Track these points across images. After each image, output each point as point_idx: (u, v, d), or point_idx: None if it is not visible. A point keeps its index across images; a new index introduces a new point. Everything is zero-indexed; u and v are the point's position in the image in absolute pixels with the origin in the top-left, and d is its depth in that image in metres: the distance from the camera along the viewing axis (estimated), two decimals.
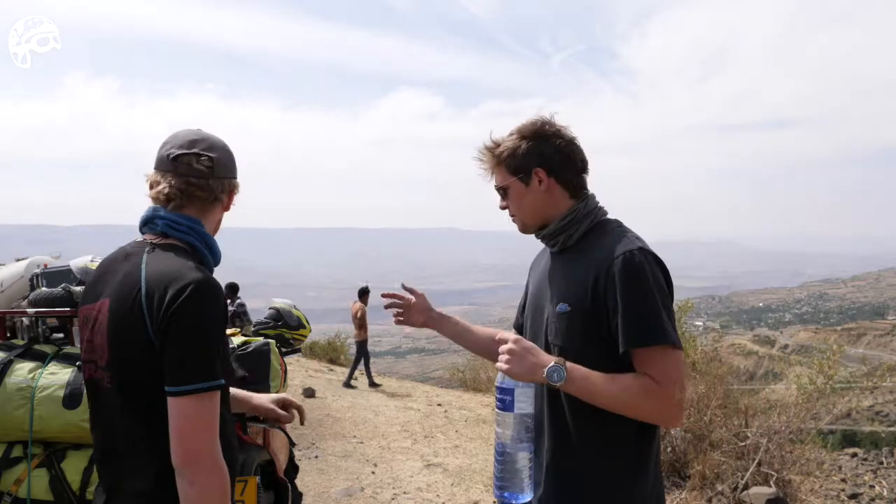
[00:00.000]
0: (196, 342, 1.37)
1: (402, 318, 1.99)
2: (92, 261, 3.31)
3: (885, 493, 6.25)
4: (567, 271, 1.62)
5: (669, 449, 5.48)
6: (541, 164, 1.63)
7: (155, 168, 1.56)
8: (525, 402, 1.46)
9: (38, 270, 3.25)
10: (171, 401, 1.35)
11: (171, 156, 1.53)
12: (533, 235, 1.75)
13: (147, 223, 1.56)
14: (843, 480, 6.87)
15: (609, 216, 1.69)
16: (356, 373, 11.58)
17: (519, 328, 1.88)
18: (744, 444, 5.17)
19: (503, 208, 1.72)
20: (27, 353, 2.49)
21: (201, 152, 1.54)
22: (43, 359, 2.48)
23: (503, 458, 1.45)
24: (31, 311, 2.97)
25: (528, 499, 1.46)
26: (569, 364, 1.45)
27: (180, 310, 1.36)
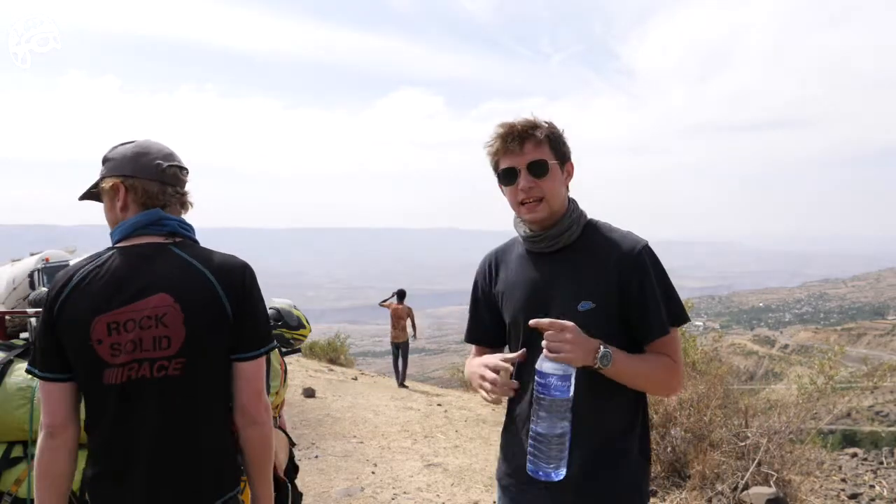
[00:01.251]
0: (264, 312, 1.65)
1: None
2: None
3: (885, 493, 6.25)
4: (576, 270, 1.62)
5: (669, 449, 5.47)
6: (571, 159, 1.68)
7: (133, 175, 1.64)
8: (573, 384, 1.47)
9: (39, 266, 3.21)
10: (245, 365, 1.60)
11: (161, 167, 1.65)
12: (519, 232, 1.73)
13: (153, 224, 1.63)
14: (843, 480, 6.88)
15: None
16: (356, 372, 11.59)
17: (477, 341, 1.85)
18: (744, 444, 5.17)
19: (526, 189, 1.60)
20: (27, 353, 2.49)
21: (183, 165, 1.72)
22: None
23: (547, 439, 1.45)
24: (30, 310, 2.97)
25: (564, 474, 1.49)
26: (611, 347, 1.51)
27: (249, 288, 1.62)
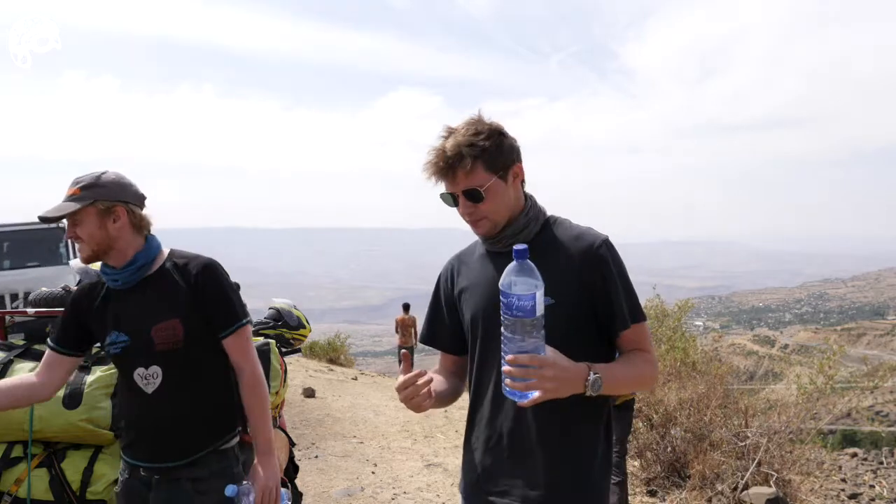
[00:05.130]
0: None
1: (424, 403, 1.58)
2: None
3: (885, 493, 6.25)
4: (537, 266, 1.53)
5: (669, 449, 5.48)
6: (518, 160, 1.61)
7: (126, 202, 1.97)
8: (542, 302, 1.36)
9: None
10: (230, 339, 2.00)
11: (144, 198, 2.04)
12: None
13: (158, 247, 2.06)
14: (843, 480, 6.88)
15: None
16: (356, 372, 11.59)
17: (432, 340, 1.80)
18: (744, 444, 5.17)
19: (467, 213, 1.59)
20: (27, 353, 2.49)
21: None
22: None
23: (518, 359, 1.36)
24: (30, 310, 2.97)
25: (533, 395, 1.39)
26: (598, 366, 1.46)
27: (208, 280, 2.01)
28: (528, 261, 1.36)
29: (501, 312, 1.37)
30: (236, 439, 2.08)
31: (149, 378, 1.94)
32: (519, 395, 1.39)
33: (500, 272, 1.53)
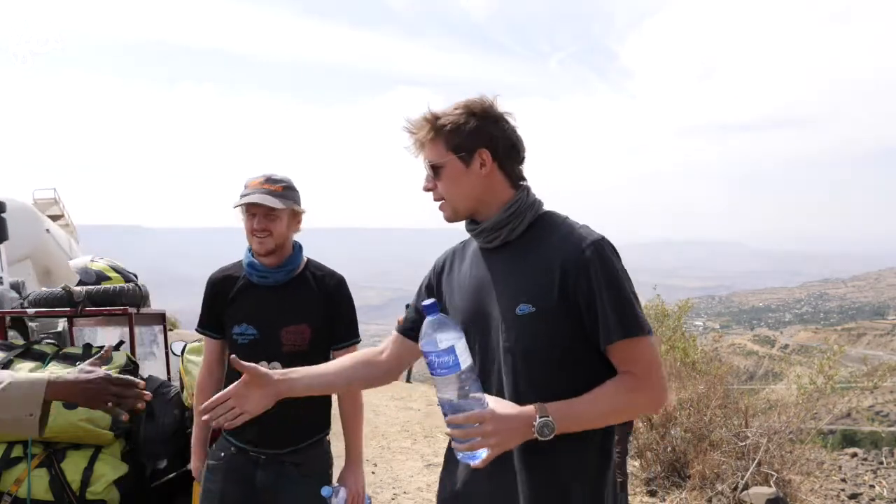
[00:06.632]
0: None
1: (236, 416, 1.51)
2: (92, 261, 3.31)
3: (885, 493, 6.25)
4: (517, 268, 1.45)
5: (669, 449, 5.47)
6: (487, 146, 1.46)
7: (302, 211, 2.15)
8: (466, 351, 1.29)
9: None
10: (342, 351, 2.16)
11: None
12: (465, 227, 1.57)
13: None
14: (843, 480, 6.88)
15: (546, 209, 1.54)
16: None
17: (408, 332, 1.65)
18: (744, 444, 5.17)
19: (428, 189, 1.52)
20: (27, 353, 2.49)
21: None
22: (43, 359, 2.48)
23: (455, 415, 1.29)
24: (30, 311, 2.97)
25: (482, 456, 1.31)
26: (549, 407, 1.30)
27: None
28: (441, 314, 1.31)
29: (430, 372, 1.32)
30: (330, 433, 2.30)
31: None
32: (469, 456, 1.30)
33: (485, 272, 1.50)
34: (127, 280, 3.22)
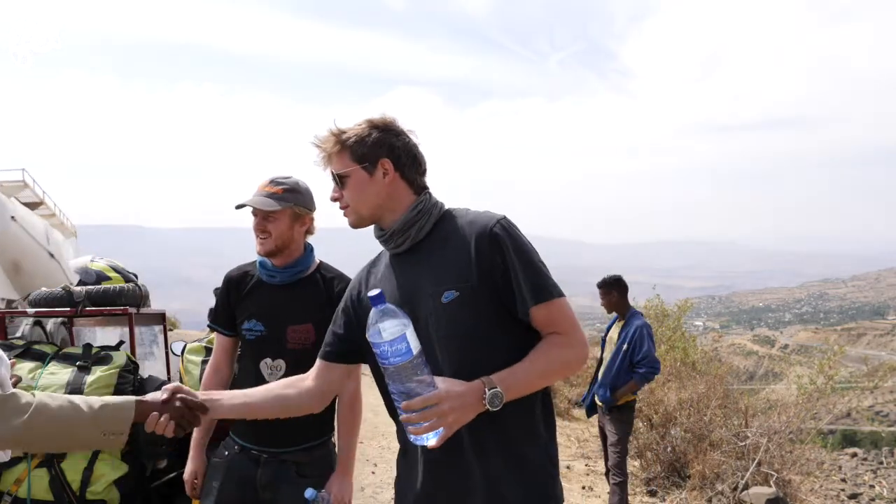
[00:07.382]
0: None
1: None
2: (92, 261, 3.31)
3: (885, 493, 6.26)
4: (434, 261, 1.54)
5: (669, 449, 5.48)
6: (389, 156, 1.57)
7: (311, 211, 2.17)
8: (415, 336, 1.32)
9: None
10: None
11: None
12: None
13: None
14: (843, 480, 6.89)
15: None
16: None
17: (330, 355, 1.69)
18: (744, 444, 5.17)
19: (335, 199, 1.61)
20: (27, 353, 2.49)
21: None
22: (43, 359, 2.48)
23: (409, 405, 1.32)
24: (30, 310, 2.97)
25: (436, 438, 1.36)
26: (495, 378, 1.39)
27: None
28: (388, 304, 1.33)
29: (379, 365, 1.34)
30: (334, 436, 2.28)
31: (273, 369, 2.13)
32: (425, 438, 1.34)
33: (401, 275, 1.57)
34: (127, 280, 3.22)
